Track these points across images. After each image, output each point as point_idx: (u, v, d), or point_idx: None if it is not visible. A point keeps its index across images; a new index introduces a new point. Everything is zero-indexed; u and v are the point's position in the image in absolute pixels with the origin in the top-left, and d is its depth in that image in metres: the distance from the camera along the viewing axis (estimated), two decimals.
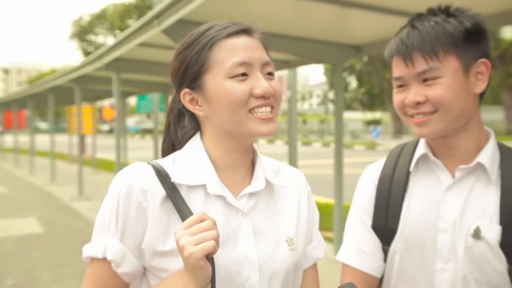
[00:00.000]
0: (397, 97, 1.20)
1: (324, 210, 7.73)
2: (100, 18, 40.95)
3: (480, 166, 1.17)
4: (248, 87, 0.99)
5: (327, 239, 5.29)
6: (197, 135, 1.09)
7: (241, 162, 1.08)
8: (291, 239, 1.08)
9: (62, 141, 22.90)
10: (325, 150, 23.87)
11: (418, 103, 1.14)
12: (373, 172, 1.34)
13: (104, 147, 20.95)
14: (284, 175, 1.16)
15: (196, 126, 1.11)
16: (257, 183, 1.07)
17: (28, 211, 8.63)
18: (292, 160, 9.16)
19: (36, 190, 11.66)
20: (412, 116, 1.17)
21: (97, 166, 15.63)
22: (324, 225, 6.57)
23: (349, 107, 53.76)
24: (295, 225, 1.11)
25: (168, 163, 1.06)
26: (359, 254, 1.27)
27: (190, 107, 1.06)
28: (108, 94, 13.01)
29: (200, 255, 0.87)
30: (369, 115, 49.43)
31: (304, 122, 46.44)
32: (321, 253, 1.18)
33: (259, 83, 1.00)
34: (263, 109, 1.00)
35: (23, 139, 23.00)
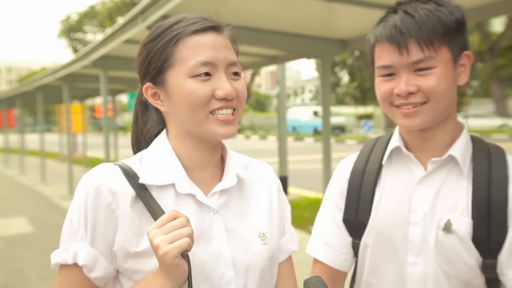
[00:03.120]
0: (383, 86, 1.15)
1: (314, 205, 7.74)
2: (89, 15, 40.66)
3: (452, 158, 1.16)
4: (210, 88, 0.97)
5: None
6: (163, 133, 1.07)
7: (208, 160, 1.06)
8: (264, 233, 1.07)
9: (53, 140, 22.75)
10: (317, 145, 23.90)
11: (409, 94, 1.10)
12: (345, 166, 1.33)
13: (97, 146, 20.86)
14: (253, 169, 1.15)
15: (161, 120, 1.09)
16: (228, 180, 1.06)
17: (17, 211, 8.56)
18: (282, 155, 9.17)
19: (26, 189, 11.58)
20: (398, 106, 1.14)
21: (88, 164, 15.51)
22: (314, 220, 6.58)
23: (341, 102, 53.86)
24: (267, 219, 1.10)
25: (135, 163, 1.04)
26: (325, 248, 1.27)
27: (152, 101, 1.04)
28: (98, 92, 12.92)
29: (175, 253, 0.85)
30: (361, 110, 49.57)
31: None
32: (294, 246, 1.18)
33: (222, 85, 0.97)
34: (224, 111, 0.99)
35: (13, 138, 22.82)
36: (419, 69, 1.09)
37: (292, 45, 4.83)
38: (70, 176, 10.19)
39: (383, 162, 1.25)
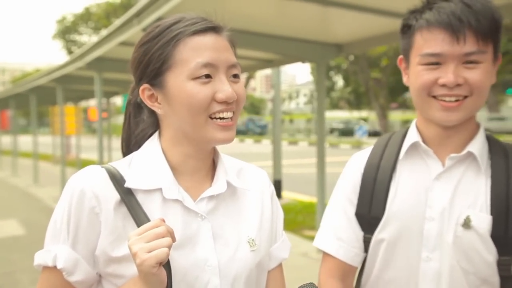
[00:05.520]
0: (426, 75, 1.10)
1: (307, 209, 7.73)
2: (84, 17, 40.54)
3: (470, 155, 1.16)
4: (211, 91, 0.95)
5: (311, 238, 5.28)
6: (155, 135, 1.05)
7: (200, 164, 1.04)
8: (253, 240, 1.05)
9: (46, 141, 22.62)
10: (312, 149, 23.90)
11: (456, 85, 1.08)
12: (359, 160, 1.31)
13: (91, 148, 20.76)
14: (246, 175, 1.13)
15: (155, 122, 1.06)
16: (217, 186, 1.03)
17: (9, 213, 8.49)
18: (276, 159, 9.18)
19: (18, 191, 11.49)
20: (435, 98, 1.11)
21: (81, 167, 15.27)
22: (308, 224, 6.50)
23: (335, 106, 53.97)
24: (258, 225, 1.08)
25: (124, 166, 1.02)
26: (337, 242, 1.26)
27: (148, 103, 1.01)
28: (92, 94, 12.87)
29: (152, 263, 0.83)
30: (356, 114, 49.69)
31: (291, 121, 46.51)
32: (286, 254, 1.15)
33: (223, 87, 0.95)
34: (224, 114, 0.97)
35: (6, 139, 22.66)
36: (468, 61, 1.08)
37: (287, 49, 4.84)
38: (63, 178, 10.13)
39: (401, 157, 1.23)
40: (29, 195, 10.72)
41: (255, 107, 68.46)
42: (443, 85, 1.09)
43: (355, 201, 1.26)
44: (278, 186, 9.06)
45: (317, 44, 4.87)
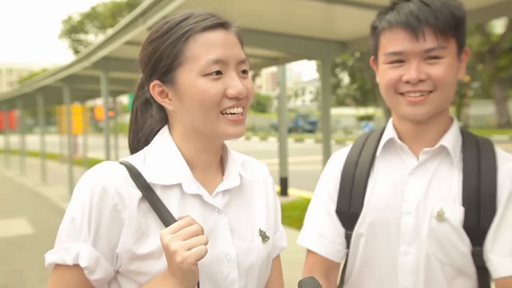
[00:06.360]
0: (391, 73, 1.15)
1: None
2: (90, 16, 40.69)
3: (443, 149, 1.19)
4: (222, 87, 0.96)
5: None
6: (165, 130, 1.05)
7: (212, 159, 1.06)
8: (264, 232, 1.07)
9: (54, 141, 22.75)
10: (318, 147, 23.89)
11: (419, 81, 1.12)
12: (338, 158, 1.34)
13: (98, 147, 20.87)
14: (250, 167, 1.15)
15: (164, 118, 1.07)
16: (230, 180, 1.05)
17: (18, 212, 8.56)
18: (283, 156, 9.18)
19: (26, 190, 11.58)
20: (402, 94, 1.15)
21: (89, 166, 15.51)
22: None
23: (341, 103, 53.86)
24: (265, 217, 1.11)
25: (139, 161, 1.01)
26: (319, 238, 1.28)
27: (159, 99, 1.01)
28: (99, 93, 12.93)
29: (193, 260, 0.85)
30: (362, 111, 49.57)
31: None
32: (285, 243, 1.19)
33: (233, 83, 0.96)
34: (235, 109, 0.98)
35: (14, 139, 22.83)
36: (430, 57, 1.12)
37: (293, 46, 4.84)
38: (70, 177, 10.19)
39: (378, 154, 1.26)
40: (37, 194, 10.80)
41: (261, 104, 68.43)
42: (407, 82, 1.13)
43: (335, 198, 1.30)
44: (284, 183, 9.07)
45: (322, 42, 4.86)
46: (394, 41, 1.13)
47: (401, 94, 1.15)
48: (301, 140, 29.58)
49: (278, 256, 1.18)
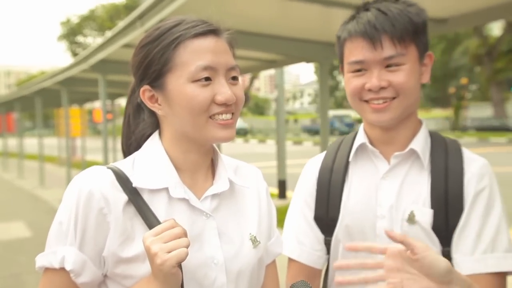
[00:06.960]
0: (354, 82, 1.18)
1: None
2: (89, 19, 40.71)
3: (413, 152, 1.21)
4: (211, 93, 0.96)
5: None
6: (156, 135, 1.06)
7: (201, 163, 1.06)
8: (255, 237, 1.07)
9: (52, 143, 22.72)
10: (316, 149, 23.92)
11: (380, 88, 1.14)
12: (313, 165, 1.35)
13: (96, 149, 20.86)
14: (243, 173, 1.15)
15: (155, 123, 1.07)
16: (220, 184, 1.05)
17: (16, 215, 8.54)
18: (281, 159, 9.18)
19: (24, 193, 11.56)
20: (367, 102, 1.17)
21: (87, 168, 15.48)
22: None
23: (340, 105, 53.88)
24: (257, 222, 1.10)
25: (127, 166, 1.02)
26: (299, 246, 1.29)
27: (149, 104, 1.02)
28: (97, 96, 12.93)
29: (173, 263, 0.84)
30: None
31: (296, 121, 46.48)
32: (280, 249, 1.18)
33: (222, 90, 0.97)
34: (223, 116, 0.98)
35: (12, 142, 22.79)
36: (390, 65, 1.13)
37: (291, 49, 4.85)
38: (68, 180, 10.17)
39: (350, 159, 1.28)
40: (35, 197, 10.78)
41: (259, 107, 68.47)
42: (370, 90, 1.15)
43: (312, 205, 1.30)
44: (283, 186, 9.06)
45: (319, 44, 4.88)
46: (355, 51, 1.16)
47: (366, 101, 1.17)
48: (299, 142, 29.59)
49: (273, 262, 1.17)
